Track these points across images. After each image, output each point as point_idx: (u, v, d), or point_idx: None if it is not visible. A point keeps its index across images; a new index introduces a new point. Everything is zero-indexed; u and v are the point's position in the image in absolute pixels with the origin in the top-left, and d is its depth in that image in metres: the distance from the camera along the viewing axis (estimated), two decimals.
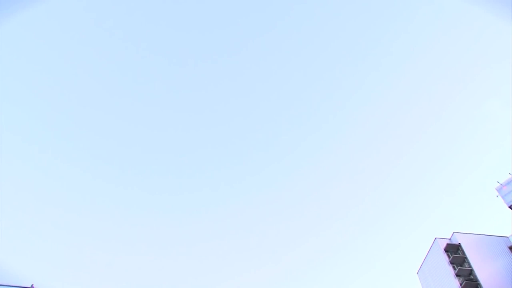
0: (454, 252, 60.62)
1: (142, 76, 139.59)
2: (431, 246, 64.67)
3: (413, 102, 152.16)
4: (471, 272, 57.71)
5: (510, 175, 62.51)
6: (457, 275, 58.56)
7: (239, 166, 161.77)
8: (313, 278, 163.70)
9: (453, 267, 59.57)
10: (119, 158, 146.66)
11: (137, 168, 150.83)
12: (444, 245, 61.96)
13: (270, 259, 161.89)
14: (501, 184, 63.26)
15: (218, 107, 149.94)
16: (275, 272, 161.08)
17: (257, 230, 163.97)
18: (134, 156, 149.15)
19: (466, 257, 59.14)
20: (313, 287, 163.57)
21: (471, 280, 57.10)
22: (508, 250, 59.50)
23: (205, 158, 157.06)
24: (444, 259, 60.84)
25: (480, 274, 56.70)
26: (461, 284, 57.37)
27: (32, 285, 19.65)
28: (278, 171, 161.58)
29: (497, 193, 63.67)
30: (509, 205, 61.60)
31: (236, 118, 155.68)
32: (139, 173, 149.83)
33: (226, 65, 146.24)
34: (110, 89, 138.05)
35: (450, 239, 63.06)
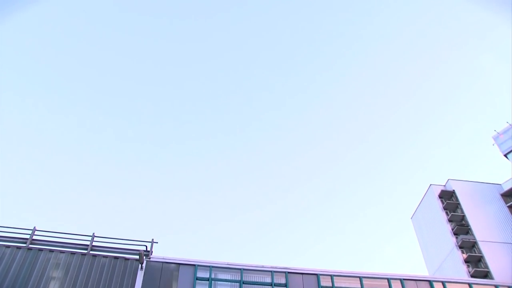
0: (448, 199, 62.31)
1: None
2: (425, 193, 66.36)
3: (412, 56, 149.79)
4: (463, 217, 59.68)
5: (507, 124, 63.15)
6: (450, 220, 60.57)
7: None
8: (309, 220, 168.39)
9: (446, 212, 61.48)
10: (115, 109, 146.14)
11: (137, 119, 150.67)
12: (439, 191, 63.53)
13: (266, 202, 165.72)
14: (498, 133, 64.00)
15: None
16: (271, 215, 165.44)
17: (256, 173, 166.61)
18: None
19: (459, 203, 60.87)
20: (308, 229, 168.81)
21: (463, 225, 59.15)
22: (500, 197, 61.24)
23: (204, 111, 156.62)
24: (438, 205, 62.63)
25: (472, 219, 58.69)
26: (453, 229, 59.52)
27: (34, 227, 20.44)
28: (275, 118, 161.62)
29: (493, 142, 64.58)
30: (505, 154, 62.68)
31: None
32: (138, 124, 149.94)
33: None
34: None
35: (444, 185, 64.56)
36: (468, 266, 55.09)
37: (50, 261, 20.35)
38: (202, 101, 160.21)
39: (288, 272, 21.59)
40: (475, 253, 55.95)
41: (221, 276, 21.15)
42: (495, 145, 64.57)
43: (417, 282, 22.69)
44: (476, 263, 55.47)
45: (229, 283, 20.98)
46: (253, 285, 21.04)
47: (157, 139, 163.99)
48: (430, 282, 22.82)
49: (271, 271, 21.45)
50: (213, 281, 20.70)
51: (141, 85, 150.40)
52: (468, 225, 58.71)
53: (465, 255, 56.07)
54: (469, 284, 23.50)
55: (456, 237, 58.57)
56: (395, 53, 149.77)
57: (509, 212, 59.83)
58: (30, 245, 20.72)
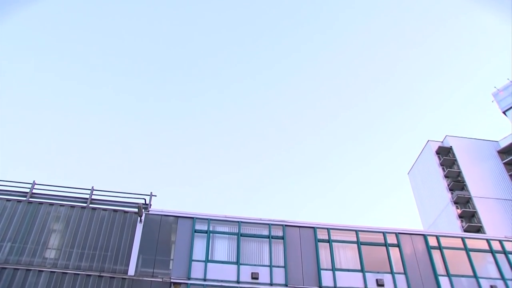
0: (445, 155, 62.72)
1: None
2: (423, 148, 66.72)
3: (414, 14, 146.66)
4: (459, 174, 60.29)
5: (508, 81, 62.75)
6: (446, 176, 61.22)
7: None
8: (306, 176, 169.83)
9: (443, 168, 62.04)
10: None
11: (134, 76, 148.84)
12: (436, 147, 63.85)
13: (264, 157, 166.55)
14: (497, 89, 63.72)
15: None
16: (269, 170, 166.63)
17: (256, 131, 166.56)
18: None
19: (456, 160, 61.34)
20: (305, 185, 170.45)
21: (459, 181, 59.86)
22: (496, 154, 61.66)
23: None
24: (434, 161, 63.10)
25: (468, 176, 59.32)
26: (448, 185, 60.25)
27: (34, 181, 20.62)
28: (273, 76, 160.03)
29: (492, 99, 64.39)
30: (503, 111, 62.67)
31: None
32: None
33: None
34: None
35: (442, 142, 64.82)
36: (461, 221, 56.16)
37: (51, 214, 20.61)
38: (201, 57, 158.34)
39: (285, 225, 21.95)
40: (469, 208, 56.89)
41: (219, 228, 21.50)
42: (495, 102, 64.41)
43: (412, 236, 23.11)
44: (469, 218, 56.50)
45: (227, 235, 21.35)
46: (250, 238, 21.42)
47: (157, 95, 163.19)
48: (424, 236, 23.24)
49: (268, 224, 21.80)
50: (211, 234, 21.05)
51: (141, 44, 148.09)
52: (463, 181, 59.36)
53: (459, 211, 57.01)
54: (462, 238, 23.92)
55: (452, 193, 59.37)
56: (395, 12, 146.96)
57: (505, 169, 60.42)
58: (30, 199, 20.93)
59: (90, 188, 21.64)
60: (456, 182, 59.74)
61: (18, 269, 18.61)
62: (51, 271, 18.79)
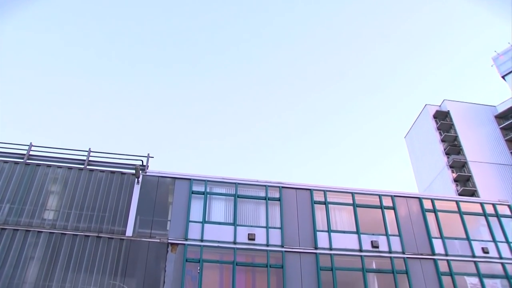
0: (442, 119, 62.63)
1: None
2: (420, 112, 66.58)
3: None
4: (455, 138, 60.41)
5: (509, 45, 62.04)
6: (442, 140, 61.34)
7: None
8: (303, 139, 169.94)
9: (440, 133, 62.08)
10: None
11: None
12: (433, 111, 63.70)
13: (261, 120, 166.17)
14: (498, 54, 63.05)
15: None
16: (267, 132, 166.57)
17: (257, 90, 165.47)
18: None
19: (453, 124, 61.31)
20: (302, 148, 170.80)
21: (455, 145, 60.03)
22: (494, 119, 61.59)
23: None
24: (431, 125, 63.07)
25: (464, 140, 59.46)
26: (445, 149, 60.47)
27: (30, 143, 20.62)
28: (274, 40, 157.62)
29: (492, 63, 63.77)
30: (503, 75, 62.22)
31: None
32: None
33: None
34: None
35: (439, 106, 64.64)
36: (456, 185, 56.68)
37: (48, 175, 20.66)
38: (198, 19, 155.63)
39: (282, 187, 22.08)
40: (465, 172, 57.29)
41: (216, 190, 21.62)
42: (494, 66, 63.85)
43: (407, 199, 23.34)
44: (464, 182, 57.01)
45: (224, 196, 21.50)
46: (247, 199, 21.58)
47: (155, 58, 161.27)
48: (419, 199, 23.48)
49: (265, 186, 21.93)
50: (208, 195, 21.19)
51: (138, 7, 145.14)
52: (460, 146, 59.55)
53: (454, 175, 57.46)
54: (457, 202, 24.20)
55: (448, 157, 59.67)
56: None
57: (501, 134, 60.55)
58: (28, 161, 20.93)
59: (87, 150, 21.62)
60: (452, 147, 59.94)
61: (17, 229, 18.80)
62: (50, 232, 18.99)
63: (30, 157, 21.14)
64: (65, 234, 19.06)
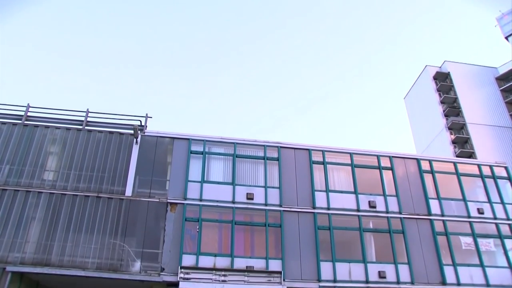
0: (442, 80, 62.03)
1: None
2: (420, 73, 65.90)
3: None
4: (455, 100, 60.02)
5: None
6: (442, 102, 60.95)
7: None
8: (302, 97, 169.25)
9: (439, 94, 61.62)
10: None
11: None
12: (434, 73, 63.01)
13: (259, 79, 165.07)
14: (502, 13, 61.80)
15: None
16: (264, 92, 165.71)
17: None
18: None
19: (453, 86, 60.77)
20: (302, 108, 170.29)
21: (454, 107, 59.70)
22: (494, 81, 60.99)
23: None
24: (431, 86, 62.51)
25: (464, 102, 59.08)
26: (444, 111, 60.18)
27: (28, 104, 20.55)
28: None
29: (496, 23, 62.61)
30: (506, 36, 61.21)
31: None
32: None
33: None
34: None
35: (440, 67, 63.92)
36: (454, 147, 56.79)
37: (47, 136, 20.64)
38: None
39: (281, 147, 22.09)
40: (463, 134, 57.28)
41: (215, 149, 21.64)
42: (498, 26, 62.69)
43: (405, 159, 23.43)
44: (462, 144, 57.09)
45: (223, 156, 21.54)
46: (246, 159, 21.64)
47: (154, 16, 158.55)
48: (417, 160, 23.57)
49: (264, 145, 21.94)
50: (206, 155, 21.23)
51: None
52: (459, 107, 59.29)
53: (453, 136, 57.46)
54: (454, 163, 24.33)
55: (447, 119, 59.53)
56: None
57: (501, 96, 60.21)
58: (26, 122, 20.87)
59: (85, 110, 21.52)
60: (451, 108, 59.68)
61: (18, 190, 18.94)
62: (50, 193, 19.14)
63: (28, 118, 21.07)
64: (65, 194, 19.21)
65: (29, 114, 21.16)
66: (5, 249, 17.62)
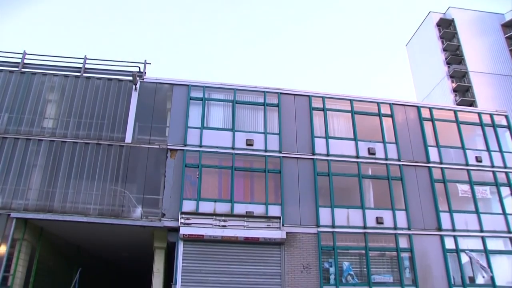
0: (446, 27, 60.86)
1: None
2: (424, 20, 64.60)
3: None
4: (458, 47, 59.13)
5: None
6: (445, 49, 60.06)
7: None
8: (302, 43, 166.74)
9: (442, 41, 60.64)
10: None
11: None
12: (437, 19, 61.75)
13: (257, 21, 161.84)
14: None
15: None
16: (264, 36, 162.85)
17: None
18: None
19: (456, 33, 59.69)
20: (302, 53, 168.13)
21: (457, 55, 58.92)
22: (500, 28, 59.77)
23: None
24: (434, 33, 61.41)
25: (467, 49, 58.22)
26: (446, 58, 59.42)
27: (24, 51, 20.33)
28: None
29: None
30: None
31: None
32: None
33: None
34: None
35: (444, 13, 62.54)
36: (455, 96, 56.53)
37: (45, 84, 20.45)
38: None
39: (281, 93, 21.89)
40: (465, 83, 56.88)
41: (215, 96, 21.47)
42: None
43: (406, 107, 23.31)
44: (464, 92, 56.81)
45: (222, 102, 21.42)
46: (245, 105, 21.51)
47: None
48: (418, 108, 23.46)
49: (264, 91, 21.74)
50: (206, 101, 21.08)
51: None
52: (462, 55, 58.54)
53: (454, 85, 57.08)
54: (454, 111, 24.24)
55: (448, 67, 58.91)
56: None
57: (506, 44, 59.29)
58: (23, 69, 20.60)
59: (83, 57, 21.22)
60: (454, 56, 58.92)
61: (18, 138, 18.97)
62: (50, 140, 19.18)
63: (24, 65, 20.79)
64: (65, 142, 19.25)
65: (25, 61, 20.86)
66: (8, 196, 17.88)
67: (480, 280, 20.11)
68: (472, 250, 20.52)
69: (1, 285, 16.45)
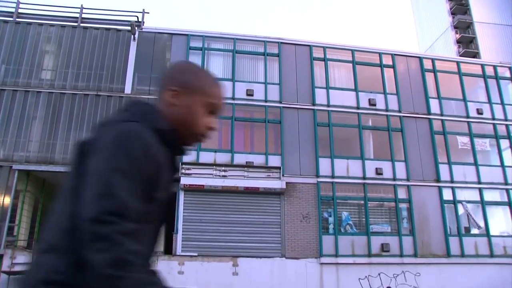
0: None
1: None
2: None
3: None
4: None
5: None
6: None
7: None
8: None
9: None
10: None
11: None
12: None
13: None
14: None
15: None
16: None
17: None
18: None
19: None
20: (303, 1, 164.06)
21: (462, 4, 57.46)
22: None
23: None
24: None
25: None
26: (451, 8, 58.05)
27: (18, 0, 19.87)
28: None
29: None
30: None
31: None
32: None
33: None
34: None
35: None
36: (459, 47, 55.63)
37: (41, 34, 20.11)
38: None
39: (281, 43, 21.48)
40: (469, 34, 55.84)
41: (214, 45, 21.14)
42: None
43: (408, 58, 23.00)
44: (467, 44, 55.89)
45: (222, 52, 21.10)
46: (246, 55, 21.20)
47: None
48: (420, 59, 23.15)
49: (264, 41, 21.33)
50: (206, 51, 20.78)
51: None
52: (467, 5, 57.17)
53: (458, 36, 56.06)
54: (457, 62, 23.93)
55: (453, 17, 57.67)
56: None
57: None
58: (17, 19, 20.17)
59: (79, 6, 20.74)
60: (459, 6, 57.53)
61: (16, 90, 18.84)
62: (49, 92, 19.05)
63: (19, 15, 20.34)
64: (64, 93, 19.13)
65: (19, 10, 20.39)
66: (9, 149, 17.96)
67: (475, 230, 20.48)
68: (469, 202, 20.80)
69: (7, 235, 16.81)
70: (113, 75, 19.63)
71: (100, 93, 19.24)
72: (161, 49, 20.65)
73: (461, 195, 20.81)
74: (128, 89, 19.42)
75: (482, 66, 24.30)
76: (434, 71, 22.93)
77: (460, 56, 52.66)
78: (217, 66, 20.75)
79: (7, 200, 17.35)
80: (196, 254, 17.40)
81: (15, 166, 17.55)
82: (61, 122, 18.59)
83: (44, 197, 19.18)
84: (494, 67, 24.31)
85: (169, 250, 17.79)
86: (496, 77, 23.88)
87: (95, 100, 19.16)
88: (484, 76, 23.77)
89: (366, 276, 18.42)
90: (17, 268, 15.92)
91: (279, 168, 18.96)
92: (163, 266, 16.68)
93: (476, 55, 53.34)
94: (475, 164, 21.42)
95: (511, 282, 19.25)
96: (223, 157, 18.95)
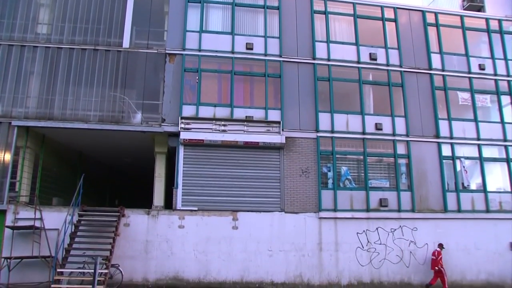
0: None
1: None
2: None
3: None
4: None
5: None
6: None
7: None
8: None
9: None
10: None
11: None
12: None
13: None
14: None
15: None
16: None
17: None
18: None
19: None
20: None
21: None
22: None
23: None
24: None
25: None
26: None
27: None
28: None
29: None
30: None
31: None
32: None
33: None
34: None
35: None
36: (463, 1, 54.38)
37: None
38: None
39: None
40: None
41: None
42: None
43: (410, 11, 22.57)
44: None
45: (221, 5, 20.53)
46: (245, 8, 20.64)
47: None
48: (423, 12, 22.76)
49: None
50: (204, 3, 20.21)
51: None
52: None
53: None
54: (461, 16, 23.56)
55: None
56: None
57: None
58: None
59: None
60: None
61: (12, 45, 18.54)
62: (46, 46, 18.74)
63: None
64: (61, 48, 18.84)
65: None
66: (8, 104, 17.86)
67: (473, 186, 20.67)
68: (467, 158, 20.90)
69: (9, 191, 16.98)
70: (111, 29, 19.28)
71: (98, 47, 18.97)
72: (159, 2, 20.11)
73: (460, 151, 20.90)
74: (126, 43, 19.12)
75: (487, 20, 24.00)
76: (437, 25, 22.61)
77: (465, 9, 51.60)
78: (216, 19, 20.33)
79: (8, 157, 17.41)
80: (196, 208, 17.63)
81: (14, 122, 17.50)
82: (59, 77, 18.41)
83: (44, 153, 19.22)
84: (499, 21, 24.00)
85: (169, 204, 18.04)
86: (501, 32, 23.63)
87: (92, 55, 18.91)
88: (488, 31, 23.51)
89: (364, 231, 18.76)
90: (20, 223, 16.19)
91: (278, 122, 18.93)
92: (164, 221, 16.97)
93: (480, 9, 52.17)
94: (475, 120, 21.43)
95: (505, 237, 19.67)
96: (222, 112, 18.88)
